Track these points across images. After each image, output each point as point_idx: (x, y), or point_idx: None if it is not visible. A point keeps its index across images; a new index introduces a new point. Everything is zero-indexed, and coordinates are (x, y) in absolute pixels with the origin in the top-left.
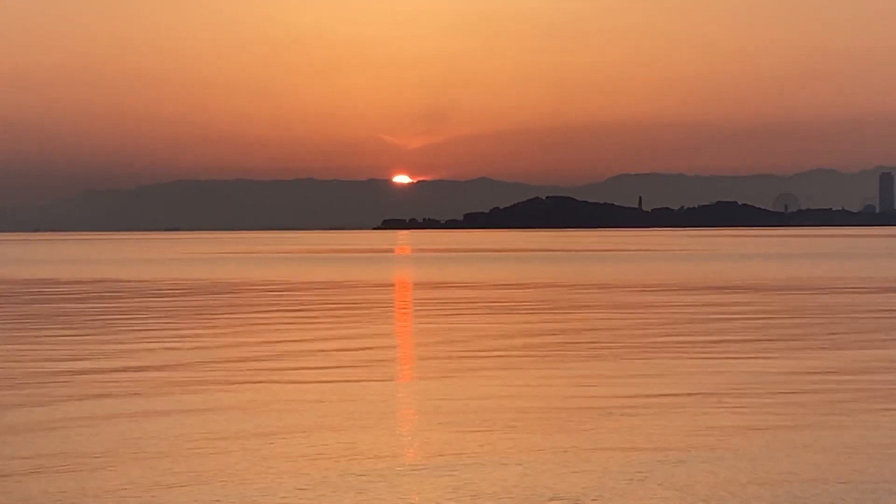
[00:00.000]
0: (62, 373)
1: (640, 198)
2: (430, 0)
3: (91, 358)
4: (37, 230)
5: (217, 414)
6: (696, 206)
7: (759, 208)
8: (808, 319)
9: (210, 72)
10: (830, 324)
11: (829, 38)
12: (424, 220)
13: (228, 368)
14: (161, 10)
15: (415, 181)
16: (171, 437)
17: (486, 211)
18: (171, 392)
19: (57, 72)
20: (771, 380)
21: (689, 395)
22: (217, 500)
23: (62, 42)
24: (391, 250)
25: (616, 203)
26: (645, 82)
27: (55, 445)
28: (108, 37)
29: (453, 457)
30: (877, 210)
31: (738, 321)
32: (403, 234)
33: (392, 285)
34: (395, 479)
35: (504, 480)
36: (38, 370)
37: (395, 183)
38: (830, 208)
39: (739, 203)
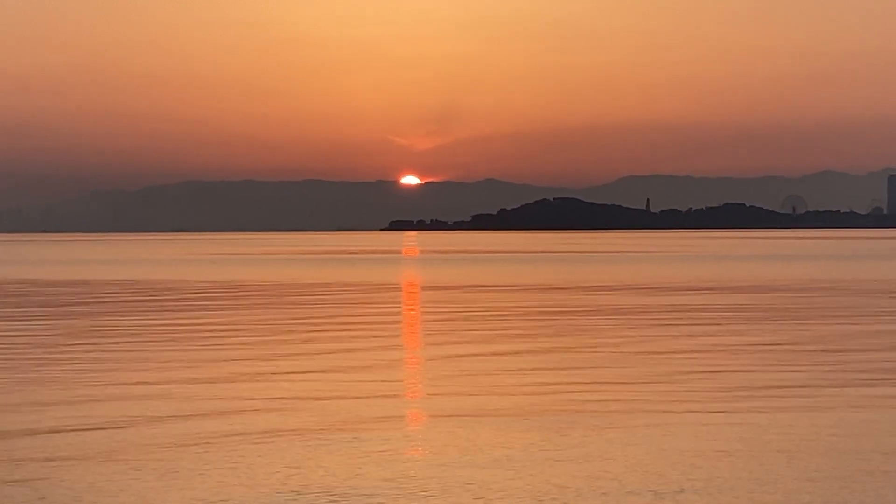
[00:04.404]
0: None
1: (648, 199)
2: (440, 1)
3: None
4: (44, 231)
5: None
6: (704, 207)
7: (767, 210)
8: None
9: (217, 72)
10: None
11: (837, 40)
12: (432, 221)
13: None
14: (169, 10)
15: (422, 182)
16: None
17: (494, 212)
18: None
19: (63, 73)
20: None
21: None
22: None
23: (68, 43)
24: (399, 252)
25: (624, 205)
26: (653, 84)
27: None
28: (113, 38)
29: (460, 458)
30: (885, 212)
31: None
32: (411, 236)
33: (400, 287)
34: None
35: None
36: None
37: (402, 184)
38: (838, 210)
39: (747, 205)
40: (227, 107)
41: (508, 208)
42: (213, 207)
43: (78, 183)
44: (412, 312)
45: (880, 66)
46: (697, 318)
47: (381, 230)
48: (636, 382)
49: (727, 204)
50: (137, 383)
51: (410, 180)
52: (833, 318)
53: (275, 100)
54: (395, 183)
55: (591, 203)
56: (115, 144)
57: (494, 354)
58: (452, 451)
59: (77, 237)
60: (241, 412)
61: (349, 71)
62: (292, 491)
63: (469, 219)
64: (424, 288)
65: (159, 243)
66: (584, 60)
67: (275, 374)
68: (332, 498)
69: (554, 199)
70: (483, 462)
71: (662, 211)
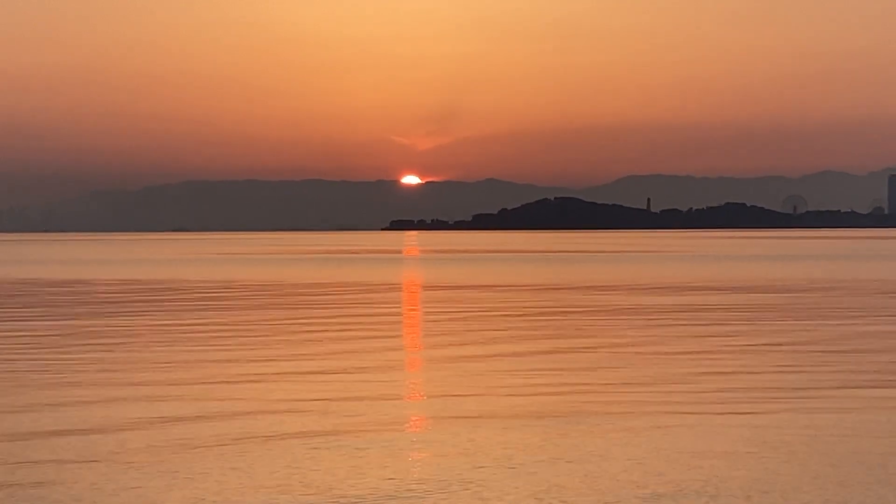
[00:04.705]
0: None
1: (649, 199)
2: (440, 1)
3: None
4: (45, 231)
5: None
6: (705, 207)
7: (768, 210)
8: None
9: (217, 72)
10: None
11: (838, 40)
12: (433, 220)
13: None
14: (169, 10)
15: (423, 182)
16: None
17: (495, 212)
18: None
19: (63, 72)
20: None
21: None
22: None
23: (68, 43)
24: (399, 251)
25: (624, 204)
26: (654, 83)
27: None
28: (114, 38)
29: (461, 458)
30: (885, 212)
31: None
32: (411, 235)
33: (401, 287)
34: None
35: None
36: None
37: (403, 184)
38: (839, 210)
39: (748, 205)
40: (227, 107)
41: (509, 208)
42: (214, 207)
43: (78, 183)
44: (413, 312)
45: (880, 66)
46: (698, 318)
47: (382, 230)
48: (636, 383)
49: (727, 204)
50: (137, 384)
51: (411, 180)
52: (833, 317)
53: (275, 100)
54: (396, 183)
55: (592, 203)
56: (115, 144)
57: (495, 355)
58: (453, 452)
59: (77, 237)
60: (242, 413)
61: (349, 71)
62: (293, 492)
63: (470, 218)
64: (425, 288)
65: (159, 243)
66: (584, 60)
67: (275, 374)
68: (332, 498)
69: (554, 198)
70: (483, 462)
71: (663, 211)
